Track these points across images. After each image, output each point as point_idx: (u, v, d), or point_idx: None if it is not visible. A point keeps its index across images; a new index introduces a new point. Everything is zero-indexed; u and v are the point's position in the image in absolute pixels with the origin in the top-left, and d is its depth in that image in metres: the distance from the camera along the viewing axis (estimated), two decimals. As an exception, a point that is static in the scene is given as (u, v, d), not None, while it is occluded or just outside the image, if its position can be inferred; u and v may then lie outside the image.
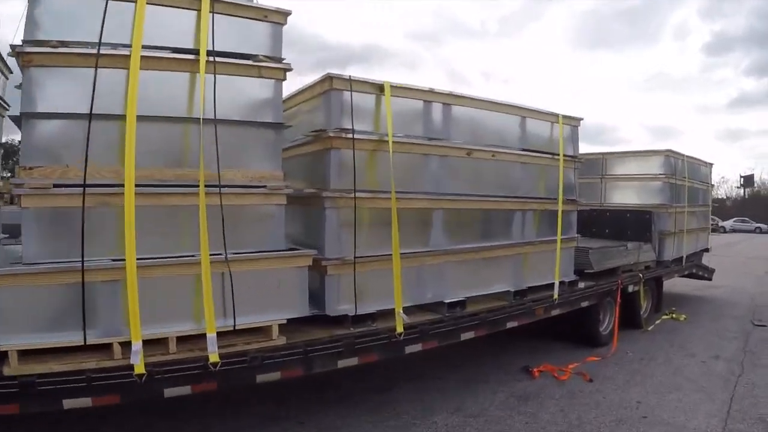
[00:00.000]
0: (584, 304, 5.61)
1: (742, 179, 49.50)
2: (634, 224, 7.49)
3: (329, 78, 3.74)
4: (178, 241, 3.10)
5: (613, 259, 6.42)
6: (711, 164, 9.84)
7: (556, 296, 5.09)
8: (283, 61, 3.42)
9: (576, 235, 5.61)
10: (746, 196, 49.35)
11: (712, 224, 37.01)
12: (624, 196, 8.14)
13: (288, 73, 3.47)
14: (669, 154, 7.67)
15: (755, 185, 49.72)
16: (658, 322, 7.53)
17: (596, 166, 8.34)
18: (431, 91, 4.23)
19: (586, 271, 6.01)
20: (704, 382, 5.05)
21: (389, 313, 3.89)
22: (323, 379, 4.39)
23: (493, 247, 4.69)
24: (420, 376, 5.06)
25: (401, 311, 3.84)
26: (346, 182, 3.77)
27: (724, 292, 10.45)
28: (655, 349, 6.16)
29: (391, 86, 3.95)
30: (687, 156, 8.35)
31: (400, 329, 3.82)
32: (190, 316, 3.06)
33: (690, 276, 9.26)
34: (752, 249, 22.91)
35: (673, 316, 7.94)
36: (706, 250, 9.81)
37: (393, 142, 3.90)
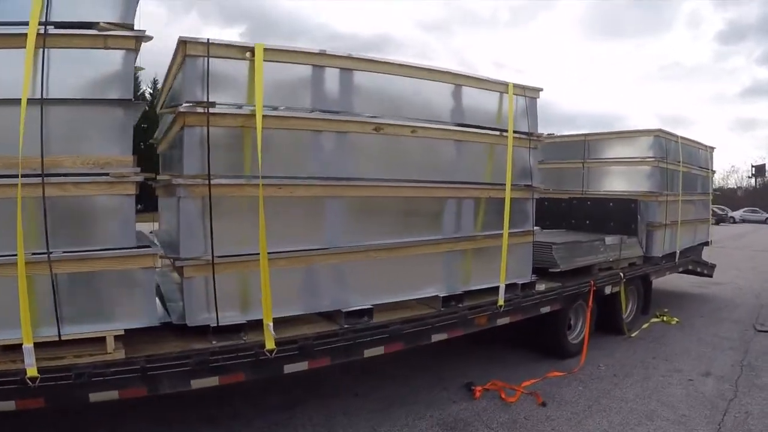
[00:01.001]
0: (545, 309, 4.59)
1: (753, 169, 47.43)
2: (618, 215, 6.41)
3: (182, 43, 2.90)
4: (9, 238, 2.43)
5: (586, 256, 5.37)
6: (712, 148, 8.64)
7: (501, 302, 4.08)
8: (137, 29, 2.70)
9: (533, 228, 4.57)
10: (757, 186, 47.28)
11: (721, 214, 35.36)
12: (609, 183, 7.02)
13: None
14: (659, 135, 6.54)
15: (767, 175, 47.52)
16: (645, 326, 6.46)
17: (577, 149, 7.24)
18: (323, 54, 3.29)
19: (551, 270, 5.00)
20: (686, 408, 4.01)
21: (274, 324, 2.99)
22: (215, 394, 3.55)
23: (413, 244, 3.70)
24: (334, 392, 4.15)
25: (270, 323, 2.92)
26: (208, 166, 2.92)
27: (726, 290, 9.27)
28: (633, 363, 5.12)
29: (267, 49, 3.05)
30: (682, 138, 7.21)
31: (270, 345, 2.91)
32: (14, 323, 2.46)
33: (687, 272, 8.15)
34: (762, 241, 21.39)
35: (664, 319, 6.85)
36: (706, 243, 8.64)
37: (270, 116, 3.07)
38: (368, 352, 3.33)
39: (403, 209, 3.68)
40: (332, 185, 3.29)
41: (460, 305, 3.93)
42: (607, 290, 5.51)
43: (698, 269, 8.12)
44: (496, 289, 4.20)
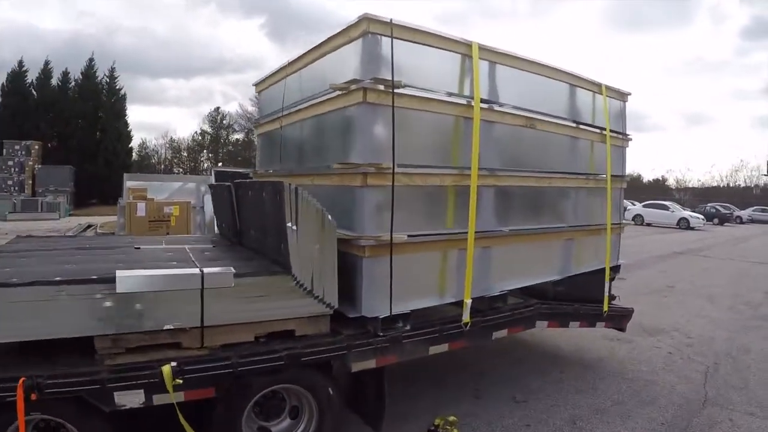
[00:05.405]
0: None
1: (769, 166, 39.99)
2: (268, 218, 2.67)
3: None
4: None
5: None
6: (623, 95, 4.49)
7: None
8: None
9: None
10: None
11: (725, 213, 28.33)
12: (325, 152, 3.24)
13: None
14: (373, 31, 2.67)
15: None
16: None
17: (279, 94, 3.52)
18: None
19: None
20: None
21: None
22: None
23: None
24: None
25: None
26: None
27: (660, 349, 4.90)
28: None
29: None
30: (493, 49, 3.24)
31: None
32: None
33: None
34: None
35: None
36: (611, 269, 4.42)
37: None
38: None
39: None
40: None
41: None
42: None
43: (572, 322, 3.99)
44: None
